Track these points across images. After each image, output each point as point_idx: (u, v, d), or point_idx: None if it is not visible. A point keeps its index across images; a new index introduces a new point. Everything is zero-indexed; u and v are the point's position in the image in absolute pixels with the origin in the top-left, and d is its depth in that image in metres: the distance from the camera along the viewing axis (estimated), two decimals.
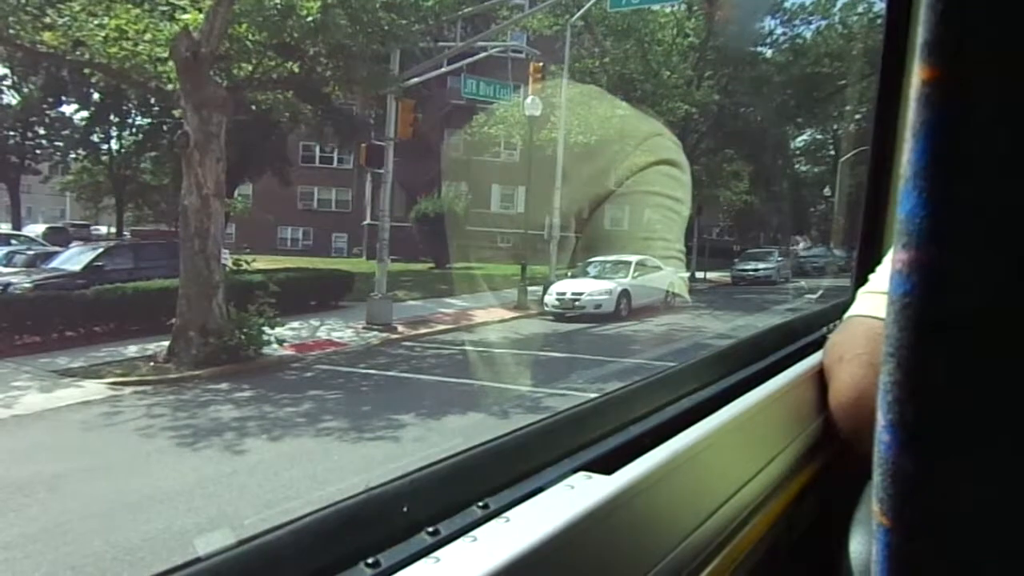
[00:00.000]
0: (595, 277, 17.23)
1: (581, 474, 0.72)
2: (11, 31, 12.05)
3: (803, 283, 24.42)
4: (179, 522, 5.37)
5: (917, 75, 0.40)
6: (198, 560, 0.50)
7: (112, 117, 25.90)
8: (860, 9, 27.43)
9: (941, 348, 0.42)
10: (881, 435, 0.44)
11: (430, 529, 0.60)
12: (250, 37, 12.86)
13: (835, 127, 32.36)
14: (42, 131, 26.83)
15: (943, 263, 0.41)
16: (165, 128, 22.33)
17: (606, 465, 0.74)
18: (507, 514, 0.63)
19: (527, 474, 0.72)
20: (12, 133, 26.23)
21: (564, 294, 16.26)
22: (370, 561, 0.55)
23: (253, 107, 16.64)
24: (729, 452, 0.93)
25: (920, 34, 0.40)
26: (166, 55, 11.97)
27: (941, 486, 0.43)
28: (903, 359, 0.42)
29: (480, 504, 0.65)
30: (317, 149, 31.75)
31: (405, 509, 0.60)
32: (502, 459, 0.73)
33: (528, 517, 0.63)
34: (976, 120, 0.39)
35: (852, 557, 0.93)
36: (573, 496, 0.67)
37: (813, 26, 28.46)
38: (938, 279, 0.41)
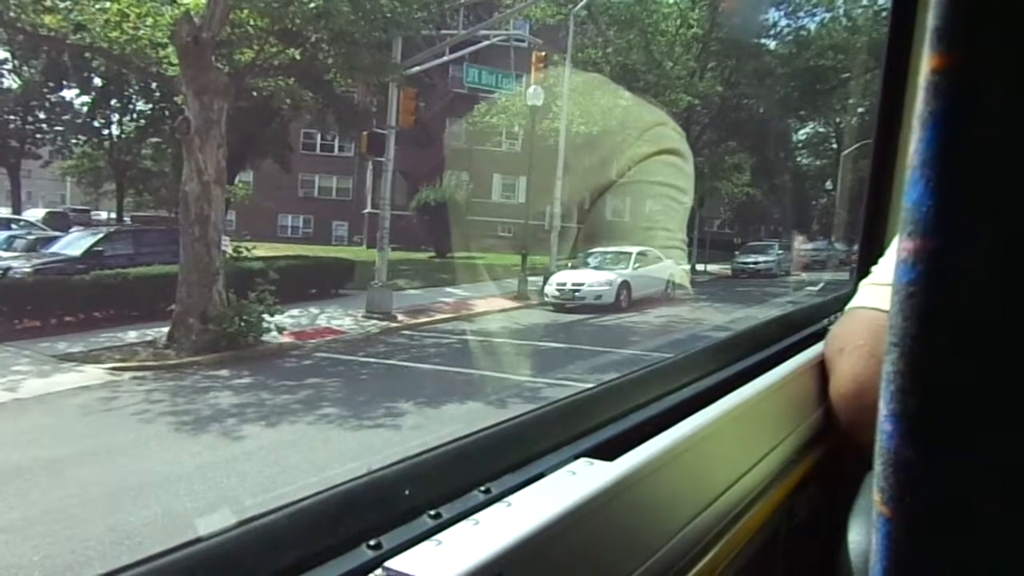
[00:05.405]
0: (596, 268, 17.19)
1: (583, 460, 0.72)
2: (12, 14, 11.99)
3: (804, 275, 24.46)
4: (178, 506, 5.39)
5: (926, 63, 0.40)
6: (199, 540, 0.50)
7: (113, 102, 25.77)
8: (865, 2, 27.31)
9: (945, 338, 0.41)
10: (883, 425, 0.44)
11: (432, 512, 0.60)
12: (252, 23, 12.81)
13: (838, 120, 32.23)
14: (43, 115, 26.64)
15: (949, 252, 0.40)
16: (166, 114, 22.22)
17: (608, 452, 0.74)
18: (509, 498, 0.64)
19: (529, 459, 0.72)
20: (13, 117, 26.06)
21: (564, 284, 16.23)
22: (372, 543, 0.55)
23: (254, 94, 16.58)
24: (730, 441, 0.93)
25: (929, 20, 0.39)
26: (167, 40, 11.93)
27: (943, 476, 0.43)
28: (907, 348, 0.42)
29: (482, 488, 0.65)
30: (318, 137, 31.57)
31: (407, 492, 0.60)
32: (504, 444, 0.73)
33: (530, 502, 0.63)
34: (986, 109, 0.39)
35: (851, 547, 0.93)
36: (575, 482, 0.67)
37: (817, 18, 28.37)
38: (943, 269, 0.41)
